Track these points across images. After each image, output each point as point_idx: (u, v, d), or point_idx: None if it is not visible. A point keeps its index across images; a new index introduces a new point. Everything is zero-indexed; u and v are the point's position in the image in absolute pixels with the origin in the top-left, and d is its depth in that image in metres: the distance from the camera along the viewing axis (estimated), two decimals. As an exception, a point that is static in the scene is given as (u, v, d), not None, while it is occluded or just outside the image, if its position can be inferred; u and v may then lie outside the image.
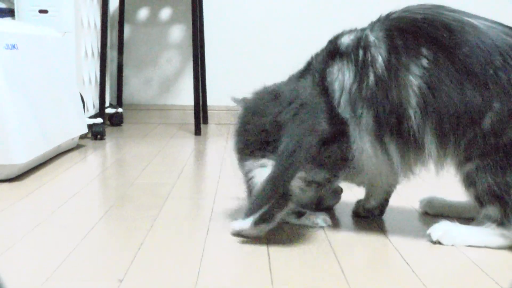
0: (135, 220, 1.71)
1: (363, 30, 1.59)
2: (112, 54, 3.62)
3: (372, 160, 1.54)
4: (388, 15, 1.57)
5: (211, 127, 3.57)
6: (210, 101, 3.67)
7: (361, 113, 1.52)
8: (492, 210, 1.47)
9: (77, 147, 2.79)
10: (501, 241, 1.48)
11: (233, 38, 3.69)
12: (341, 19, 3.54)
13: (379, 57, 1.51)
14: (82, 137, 2.91)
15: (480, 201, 1.48)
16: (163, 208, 1.82)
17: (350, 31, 1.62)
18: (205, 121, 3.65)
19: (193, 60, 3.32)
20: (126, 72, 3.69)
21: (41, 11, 2.91)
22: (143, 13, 3.71)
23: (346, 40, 1.60)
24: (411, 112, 1.48)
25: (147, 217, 1.73)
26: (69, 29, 2.93)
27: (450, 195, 1.77)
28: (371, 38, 1.54)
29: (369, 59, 1.52)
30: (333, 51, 1.61)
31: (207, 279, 1.30)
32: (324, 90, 1.58)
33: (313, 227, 1.65)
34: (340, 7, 3.63)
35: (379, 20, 1.58)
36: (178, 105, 3.72)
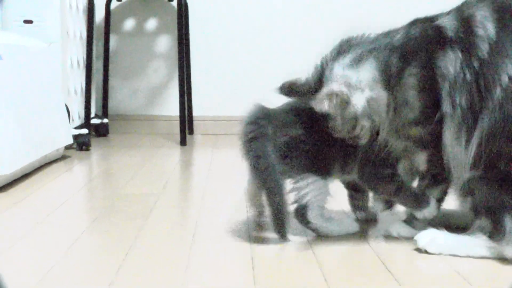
0: (121, 230, 1.71)
1: (461, 10, 1.51)
2: (98, 65, 3.61)
3: (450, 152, 1.50)
4: None
5: (197, 138, 3.56)
6: (196, 112, 3.67)
7: (459, 103, 1.46)
8: (485, 222, 1.46)
9: (63, 157, 2.78)
10: (487, 252, 1.47)
11: (219, 48, 3.69)
12: (331, 26, 3.56)
13: (486, 38, 1.45)
14: (68, 147, 2.90)
15: (475, 211, 1.47)
16: (149, 218, 1.82)
17: (444, 13, 1.53)
18: (191, 131, 3.64)
19: (179, 70, 3.32)
20: (112, 82, 3.69)
21: (26, 22, 2.90)
22: (129, 23, 3.71)
23: (449, 22, 1.51)
24: (490, 104, 1.43)
25: (133, 227, 1.72)
26: (55, 39, 2.92)
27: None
28: (478, 16, 1.47)
29: (476, 40, 1.45)
30: (439, 37, 1.50)
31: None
32: (432, 83, 1.49)
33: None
34: (330, 15, 3.65)
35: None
36: (164, 115, 3.72)
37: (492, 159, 1.43)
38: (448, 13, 1.54)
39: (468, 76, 1.45)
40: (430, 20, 1.55)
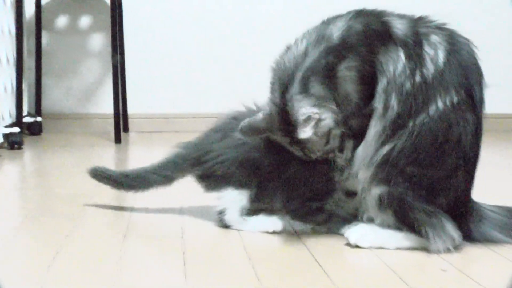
0: (51, 229, 1.68)
1: (416, 24, 1.52)
2: (30, 62, 3.54)
3: (366, 147, 1.51)
4: (449, 30, 1.53)
5: (131, 135, 3.53)
6: (131, 109, 3.64)
7: (392, 106, 1.47)
8: (410, 230, 1.50)
9: (-8, 157, 2.72)
10: (415, 244, 1.51)
11: (154, 45, 3.66)
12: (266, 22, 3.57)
13: (434, 60, 1.47)
14: (-2, 147, 2.84)
15: (398, 223, 1.51)
16: (81, 217, 1.80)
17: (398, 15, 1.54)
18: (126, 129, 3.61)
19: (113, 68, 3.28)
20: (45, 80, 3.62)
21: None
22: (61, 20, 3.66)
23: (400, 23, 1.51)
24: (411, 125, 1.46)
25: (64, 226, 1.70)
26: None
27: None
28: (432, 38, 1.49)
29: (424, 55, 1.47)
30: (384, 33, 1.51)
31: (122, 286, 1.29)
32: (368, 77, 1.50)
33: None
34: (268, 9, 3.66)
35: (437, 26, 1.53)
36: (98, 113, 3.67)
37: (395, 175, 1.47)
38: (401, 17, 1.54)
39: (408, 86, 1.47)
40: (377, 15, 1.54)
